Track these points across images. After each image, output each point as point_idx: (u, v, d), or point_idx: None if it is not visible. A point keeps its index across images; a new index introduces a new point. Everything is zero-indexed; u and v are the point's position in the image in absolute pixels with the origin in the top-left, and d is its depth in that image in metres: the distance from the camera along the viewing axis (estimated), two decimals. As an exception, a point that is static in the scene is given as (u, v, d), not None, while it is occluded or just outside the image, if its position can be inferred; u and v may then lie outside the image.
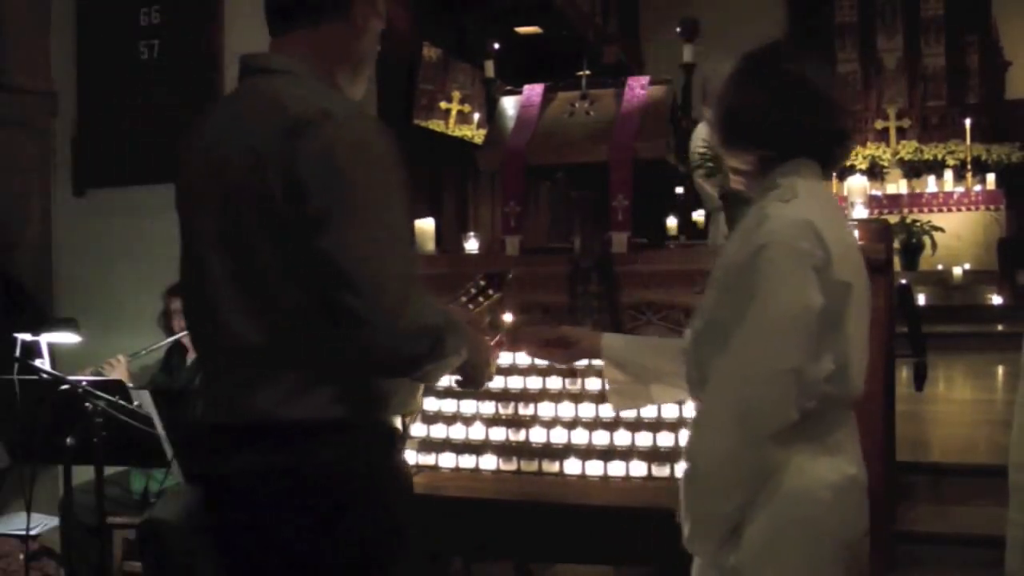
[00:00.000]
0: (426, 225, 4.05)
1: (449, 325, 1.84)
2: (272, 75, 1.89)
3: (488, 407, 3.10)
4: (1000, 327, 9.51)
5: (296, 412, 1.80)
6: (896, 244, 10.30)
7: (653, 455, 3.10)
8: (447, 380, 2.63)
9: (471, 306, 2.31)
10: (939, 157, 11.96)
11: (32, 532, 3.78)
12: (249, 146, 1.78)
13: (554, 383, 3.30)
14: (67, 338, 3.80)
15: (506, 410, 3.10)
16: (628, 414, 3.19)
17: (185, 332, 4.15)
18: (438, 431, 3.07)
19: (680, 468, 2.11)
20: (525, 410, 3.09)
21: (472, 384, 2.15)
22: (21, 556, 4.03)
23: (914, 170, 12.24)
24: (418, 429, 3.06)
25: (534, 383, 3.30)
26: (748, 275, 1.92)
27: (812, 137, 2.04)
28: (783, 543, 1.93)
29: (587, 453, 3.15)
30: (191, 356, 4.27)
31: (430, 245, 4.07)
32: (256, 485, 1.83)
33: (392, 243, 1.77)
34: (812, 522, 1.93)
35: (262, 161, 1.76)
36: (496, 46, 4.20)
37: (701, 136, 4.85)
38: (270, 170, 1.74)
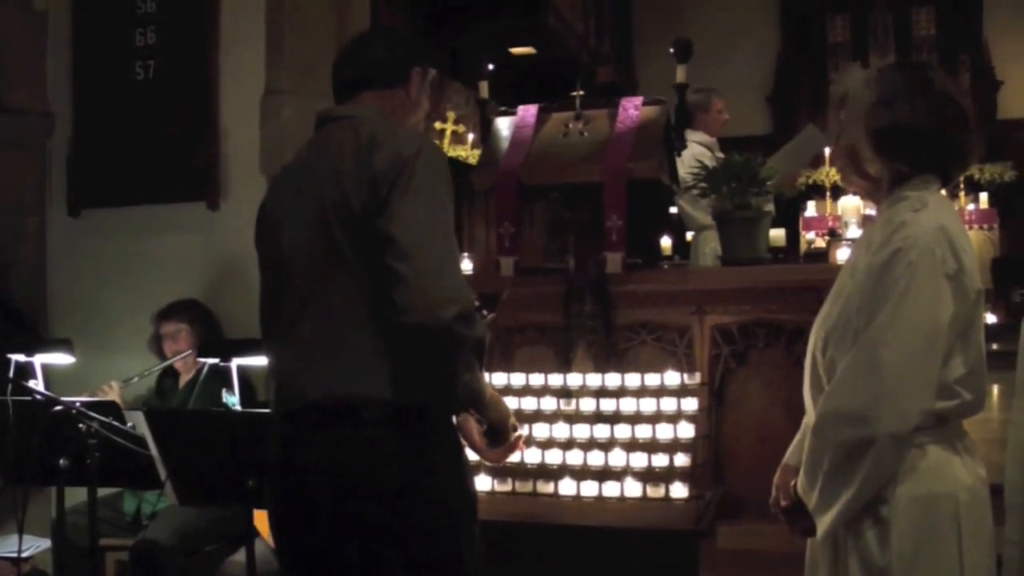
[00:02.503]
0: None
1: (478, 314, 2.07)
2: (345, 120, 2.22)
3: (483, 428, 3.09)
4: (995, 346, 9.43)
5: (362, 393, 2.03)
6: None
7: (648, 475, 3.10)
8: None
9: None
10: (932, 176, 12.01)
11: (24, 554, 3.76)
12: (331, 165, 2.11)
13: (549, 404, 3.30)
14: (61, 359, 3.78)
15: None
16: (623, 434, 3.19)
17: (177, 357, 4.15)
18: (433, 452, 3.06)
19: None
20: (520, 431, 3.08)
21: (500, 439, 2.31)
22: (13, 578, 4.01)
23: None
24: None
25: (529, 404, 3.30)
26: (883, 278, 1.97)
27: (952, 154, 2.11)
28: (931, 546, 1.97)
29: (582, 474, 3.15)
30: (184, 379, 4.26)
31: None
32: (323, 466, 2.03)
33: (439, 224, 2.04)
34: (956, 524, 1.98)
35: (342, 171, 2.08)
36: (490, 67, 4.20)
37: (686, 158, 4.87)
38: (349, 178, 2.06)
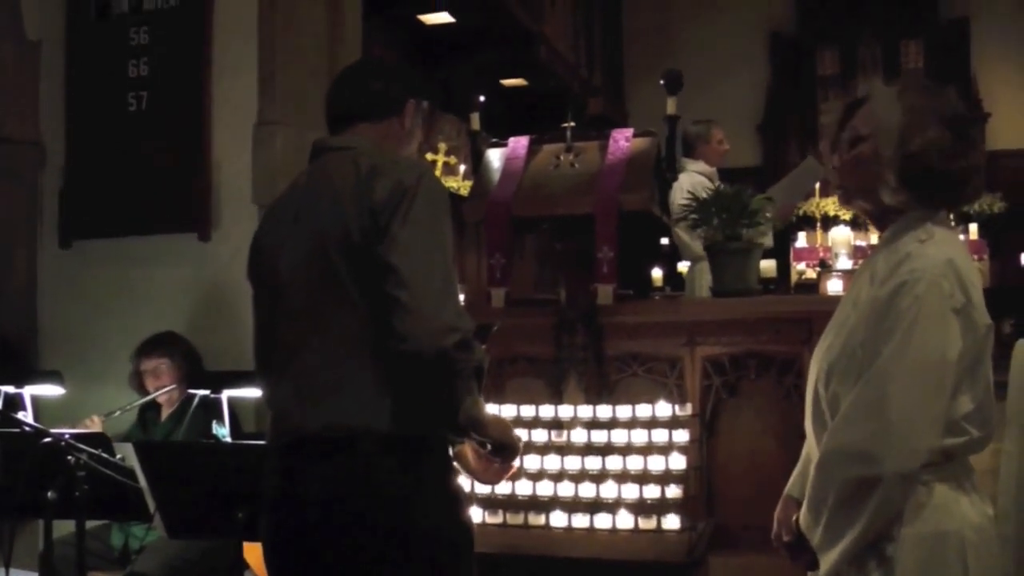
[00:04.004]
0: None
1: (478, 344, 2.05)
2: (343, 150, 2.23)
3: (474, 459, 3.08)
4: (986, 376, 9.51)
5: (361, 425, 2.03)
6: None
7: (640, 507, 3.09)
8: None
9: None
10: (922, 207, 12.07)
11: (11, 587, 3.73)
12: (331, 195, 2.12)
13: (540, 435, 3.29)
14: (51, 390, 3.77)
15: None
16: (614, 465, 3.18)
17: (160, 392, 4.12)
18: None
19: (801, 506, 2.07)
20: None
21: (509, 455, 2.31)
22: (0, 612, 3.97)
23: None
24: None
25: (520, 435, 3.29)
26: (889, 311, 1.92)
27: (962, 184, 2.04)
28: None
29: (573, 505, 3.13)
30: (166, 412, 4.23)
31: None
32: (323, 498, 2.03)
33: (439, 253, 2.05)
34: (963, 564, 1.92)
35: (342, 200, 2.09)
36: (482, 98, 4.22)
37: (684, 188, 4.89)
38: (349, 207, 2.07)
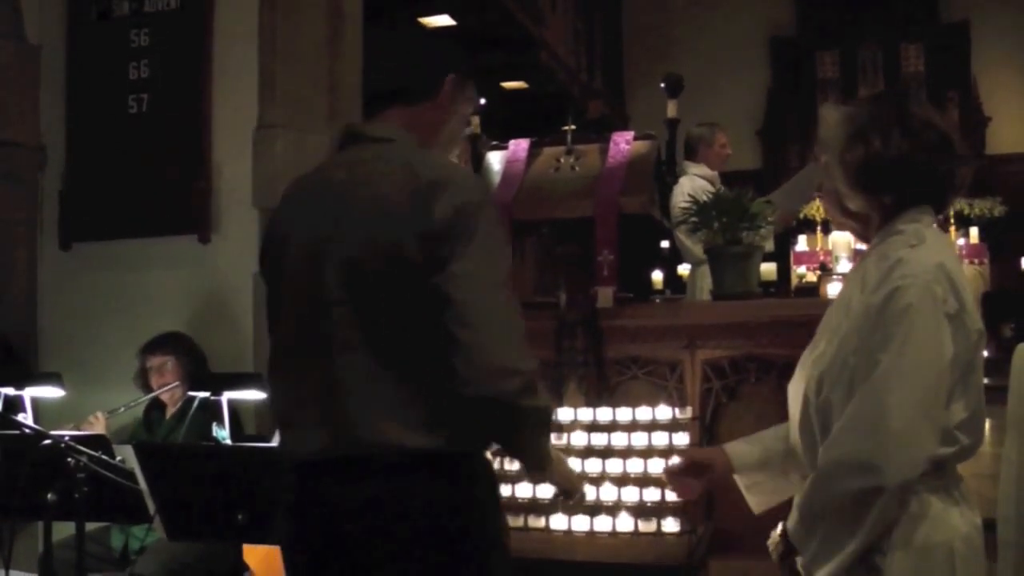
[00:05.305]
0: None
1: (540, 383, 1.93)
2: (381, 143, 2.05)
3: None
4: (986, 380, 9.47)
5: (406, 443, 1.90)
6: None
7: (640, 510, 3.08)
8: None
9: None
10: (922, 211, 12.07)
11: (11, 590, 3.73)
12: (379, 200, 1.94)
13: (540, 438, 3.28)
14: (51, 392, 3.77)
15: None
16: (614, 468, 3.18)
17: (163, 389, 4.13)
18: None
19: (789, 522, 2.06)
20: (511, 465, 3.07)
21: (569, 497, 2.32)
22: (-1, 614, 3.97)
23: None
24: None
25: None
26: (882, 318, 1.89)
27: (940, 182, 2.03)
28: None
29: (573, 508, 3.13)
30: (170, 411, 4.24)
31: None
32: (362, 516, 1.91)
33: (502, 288, 1.92)
34: (951, 574, 1.91)
35: (393, 212, 1.92)
36: (482, 101, 4.23)
37: (685, 191, 4.89)
38: (403, 224, 1.90)
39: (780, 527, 2.08)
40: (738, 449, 2.34)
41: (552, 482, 2.22)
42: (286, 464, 2.07)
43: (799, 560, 2.03)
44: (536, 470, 2.12)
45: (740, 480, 2.30)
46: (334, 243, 1.97)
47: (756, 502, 2.34)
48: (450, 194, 1.91)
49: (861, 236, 2.11)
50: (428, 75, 2.11)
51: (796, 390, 2.11)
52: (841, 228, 2.18)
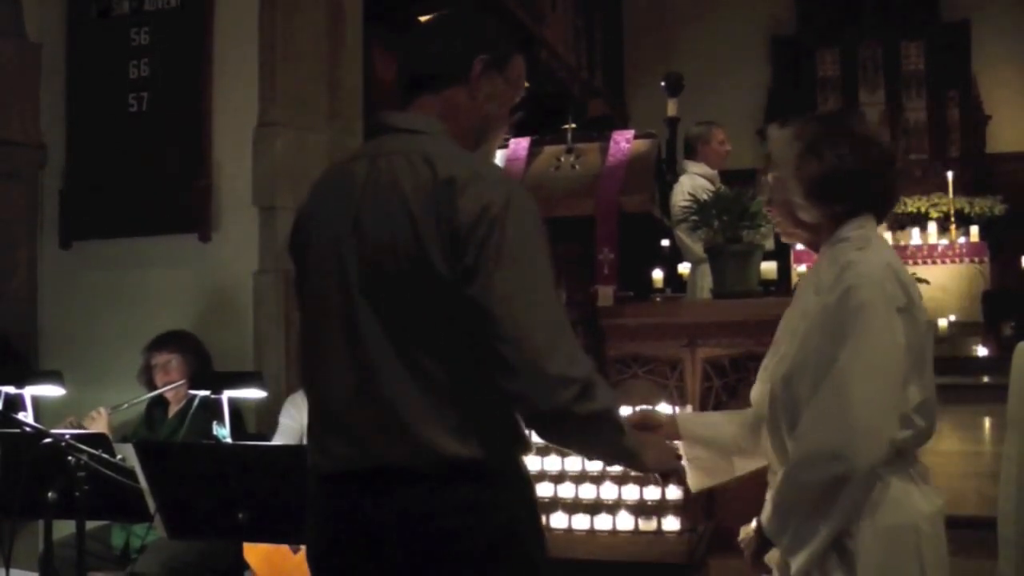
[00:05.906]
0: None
1: (599, 378, 1.83)
2: (407, 134, 1.94)
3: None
4: (986, 379, 9.52)
5: (441, 451, 1.81)
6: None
7: (640, 509, 3.09)
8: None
9: None
10: (922, 210, 12.04)
11: (11, 588, 3.73)
12: (399, 199, 1.83)
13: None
14: (51, 391, 3.77)
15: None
16: (614, 468, 3.18)
17: (168, 387, 4.13)
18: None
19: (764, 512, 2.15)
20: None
21: (672, 477, 2.33)
22: (0, 613, 3.97)
23: (898, 223, 12.31)
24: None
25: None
26: (838, 315, 2.02)
27: (882, 192, 2.20)
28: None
29: (573, 507, 3.13)
30: (173, 409, 4.24)
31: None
32: (400, 529, 1.83)
33: (541, 292, 1.80)
34: (919, 555, 2.03)
35: (413, 213, 1.81)
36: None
37: (685, 190, 4.89)
38: (424, 227, 1.79)
39: (754, 522, 2.18)
40: (688, 419, 2.51)
41: (648, 471, 2.21)
42: (316, 472, 1.97)
43: (767, 556, 2.16)
44: (625, 465, 2.12)
45: (683, 451, 2.36)
46: (353, 242, 1.89)
47: (693, 478, 2.41)
48: (472, 194, 1.78)
49: (811, 244, 2.24)
50: (453, 58, 1.98)
51: (760, 392, 2.22)
52: (790, 239, 2.30)
